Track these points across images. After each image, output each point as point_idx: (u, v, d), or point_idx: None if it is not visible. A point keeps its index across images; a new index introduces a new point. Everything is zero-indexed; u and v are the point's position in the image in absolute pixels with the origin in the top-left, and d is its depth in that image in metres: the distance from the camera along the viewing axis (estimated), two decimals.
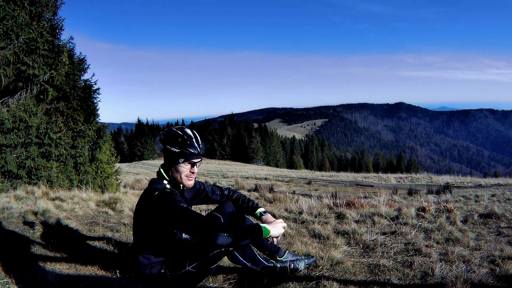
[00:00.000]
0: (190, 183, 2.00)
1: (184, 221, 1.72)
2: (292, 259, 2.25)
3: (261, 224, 1.82)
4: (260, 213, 2.15)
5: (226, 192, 2.28)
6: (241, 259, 2.03)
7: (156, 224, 1.89)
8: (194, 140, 1.96)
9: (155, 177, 2.04)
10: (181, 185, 2.01)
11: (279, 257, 2.26)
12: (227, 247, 1.86)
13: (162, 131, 2.03)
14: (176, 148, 1.93)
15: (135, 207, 2.02)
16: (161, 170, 2.02)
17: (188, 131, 1.99)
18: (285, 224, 1.94)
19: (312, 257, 2.38)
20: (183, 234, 2.12)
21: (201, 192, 2.22)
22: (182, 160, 1.94)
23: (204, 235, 1.71)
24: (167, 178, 1.99)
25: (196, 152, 1.96)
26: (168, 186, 1.97)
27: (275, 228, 1.86)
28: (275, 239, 1.91)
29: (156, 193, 1.87)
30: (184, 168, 1.96)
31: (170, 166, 1.97)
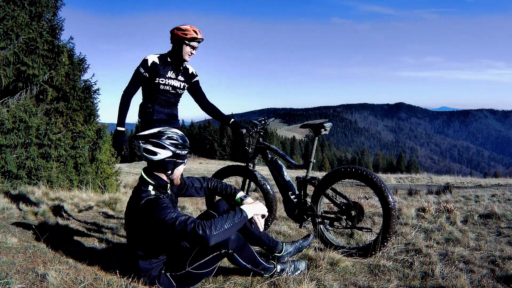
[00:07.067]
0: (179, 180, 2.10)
1: (173, 230, 1.75)
2: (290, 250, 2.30)
3: (241, 207, 1.90)
4: (241, 198, 2.19)
5: (205, 184, 2.30)
6: (241, 261, 2.02)
7: (150, 233, 1.89)
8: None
9: (139, 184, 2.01)
10: (169, 185, 2.05)
11: (278, 252, 2.32)
12: (223, 244, 1.89)
13: (160, 138, 1.97)
14: (182, 151, 2.00)
15: (124, 214, 2.03)
16: (144, 175, 2.00)
17: (179, 132, 2.06)
18: (265, 207, 2.01)
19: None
20: None
21: (183, 185, 2.25)
22: (181, 161, 2.03)
23: (194, 241, 1.74)
24: (152, 182, 1.98)
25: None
26: (152, 192, 1.94)
27: (257, 207, 1.95)
28: (262, 221, 2.00)
29: (141, 203, 1.87)
30: (182, 167, 2.05)
31: (168, 169, 1.99)
